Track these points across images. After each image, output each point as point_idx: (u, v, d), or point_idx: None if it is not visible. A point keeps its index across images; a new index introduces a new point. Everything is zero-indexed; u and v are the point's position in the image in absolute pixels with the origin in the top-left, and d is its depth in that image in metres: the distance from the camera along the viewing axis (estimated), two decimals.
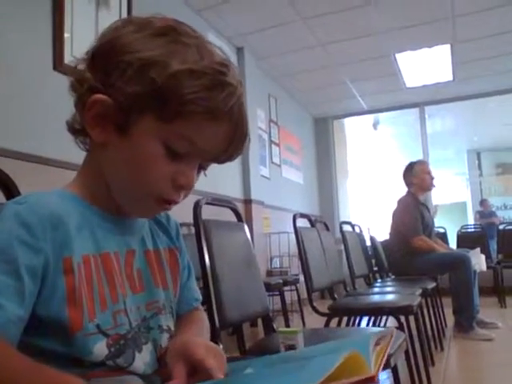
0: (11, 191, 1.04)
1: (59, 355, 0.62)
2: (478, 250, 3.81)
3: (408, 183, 3.95)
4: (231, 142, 0.68)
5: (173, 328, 0.78)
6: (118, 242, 0.71)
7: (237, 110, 0.67)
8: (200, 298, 0.90)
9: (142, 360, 0.69)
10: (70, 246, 0.64)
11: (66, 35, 2.68)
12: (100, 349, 0.64)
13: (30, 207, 0.62)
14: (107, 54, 0.66)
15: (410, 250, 3.64)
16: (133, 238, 0.75)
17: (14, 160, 2.26)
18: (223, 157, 0.71)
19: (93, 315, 0.64)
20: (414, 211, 3.75)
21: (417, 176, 3.89)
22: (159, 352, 0.73)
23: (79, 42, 2.71)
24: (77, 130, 0.71)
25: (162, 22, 0.69)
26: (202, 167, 0.72)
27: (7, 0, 2.41)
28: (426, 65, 5.44)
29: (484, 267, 3.71)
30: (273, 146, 5.60)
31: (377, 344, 0.62)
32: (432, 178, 3.94)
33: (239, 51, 4.84)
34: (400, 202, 3.92)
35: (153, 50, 0.64)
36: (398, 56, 5.18)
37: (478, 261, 3.64)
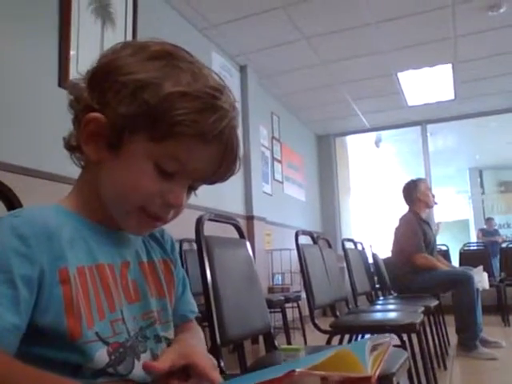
0: (13, 204, 1.05)
1: (60, 363, 0.62)
2: (481, 268, 3.79)
3: (411, 200, 3.95)
4: (221, 164, 0.71)
5: (172, 337, 0.79)
6: (113, 255, 0.73)
7: (227, 133, 0.69)
8: (196, 310, 0.91)
9: (141, 368, 0.70)
10: (65, 258, 0.65)
11: (72, 53, 2.72)
12: (101, 356, 0.64)
13: (24, 220, 0.64)
14: (104, 75, 0.69)
15: (412, 267, 3.64)
16: (127, 251, 0.76)
17: (17, 174, 2.28)
18: (213, 178, 0.73)
19: (91, 323, 0.64)
20: (415, 228, 3.75)
21: (422, 193, 3.92)
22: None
23: (84, 60, 2.74)
24: (73, 146, 0.73)
25: (158, 46, 0.71)
26: (192, 187, 0.74)
27: (15, 16, 2.45)
28: (428, 84, 5.48)
29: (487, 285, 3.69)
30: (275, 162, 5.62)
31: (373, 349, 0.63)
32: (433, 196, 3.97)
33: (242, 69, 4.90)
34: (402, 219, 3.92)
35: (147, 72, 0.67)
36: (400, 75, 5.22)
37: (481, 279, 3.63)
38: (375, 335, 0.79)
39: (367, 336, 3.30)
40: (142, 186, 0.68)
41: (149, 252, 0.81)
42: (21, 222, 0.63)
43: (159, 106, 0.65)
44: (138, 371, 0.69)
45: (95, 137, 0.68)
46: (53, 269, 0.63)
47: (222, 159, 0.70)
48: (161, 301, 0.79)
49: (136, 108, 0.65)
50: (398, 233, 3.88)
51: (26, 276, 0.60)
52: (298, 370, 0.50)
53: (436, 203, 4.05)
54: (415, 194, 3.92)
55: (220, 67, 4.47)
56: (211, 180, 0.73)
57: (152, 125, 0.65)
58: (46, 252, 0.63)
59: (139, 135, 0.67)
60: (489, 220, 9.46)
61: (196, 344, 0.81)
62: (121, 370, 0.67)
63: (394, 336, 2.04)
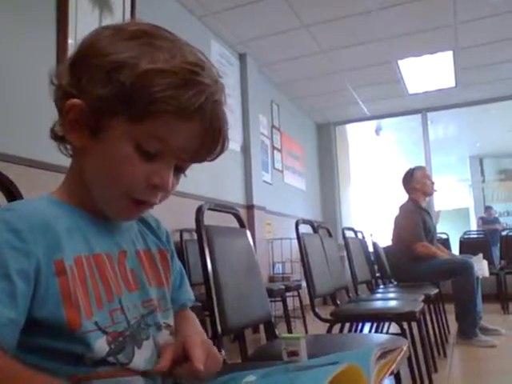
0: (14, 196, 1.05)
1: (62, 353, 0.62)
2: (481, 256, 3.80)
3: (409, 189, 3.96)
4: (203, 141, 0.69)
5: (172, 324, 0.79)
6: (109, 244, 0.72)
7: (209, 108, 0.67)
8: (193, 298, 0.91)
9: (143, 356, 0.70)
10: (61, 249, 0.64)
11: (70, 41, 2.70)
12: (101, 345, 0.64)
13: (17, 213, 0.63)
14: (81, 60, 0.68)
15: (412, 256, 3.64)
16: (123, 240, 0.75)
17: (19, 166, 2.27)
18: (198, 156, 0.71)
19: (89, 313, 0.64)
20: (415, 217, 3.76)
21: (418, 181, 3.91)
22: (159, 348, 0.74)
23: None
24: (59, 136, 0.73)
25: (135, 26, 0.70)
26: (179, 169, 0.72)
27: (12, 6, 2.43)
28: (429, 71, 5.45)
29: (487, 273, 3.70)
30: (275, 151, 5.61)
31: (382, 357, 0.62)
32: (432, 183, 3.96)
33: (242, 58, 4.86)
34: (401, 208, 3.93)
35: (122, 52, 0.65)
36: (401, 62, 5.19)
37: (481, 267, 3.64)
38: (387, 341, 0.78)
39: (368, 324, 3.33)
40: (125, 170, 0.67)
41: (145, 241, 0.81)
42: (13, 216, 0.62)
43: (135, 84, 0.63)
44: (138, 359, 0.69)
45: (77, 124, 0.67)
46: (48, 261, 0.62)
47: (205, 135, 0.68)
48: (160, 289, 0.79)
49: (112, 89, 0.64)
50: (398, 222, 3.88)
51: (22, 270, 0.60)
52: None
53: (435, 190, 4.04)
54: (412, 182, 3.93)
55: (219, 55, 4.44)
56: (197, 158, 0.71)
57: (129, 105, 0.64)
58: (40, 244, 0.62)
59: (118, 117, 0.65)
60: (488, 209, 9.46)
61: (192, 331, 0.81)
62: (121, 358, 0.66)
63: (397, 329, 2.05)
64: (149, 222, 0.84)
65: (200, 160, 0.72)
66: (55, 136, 0.73)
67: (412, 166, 4.07)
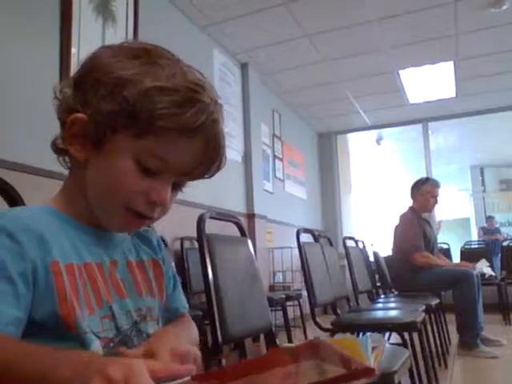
0: (16, 202, 1.05)
1: None
2: (484, 259, 3.85)
3: (413, 195, 3.96)
4: (203, 158, 0.70)
5: None
6: (101, 254, 0.73)
7: (209, 127, 0.68)
8: (187, 306, 0.92)
9: None
10: (54, 253, 0.66)
11: (73, 50, 2.72)
12: (96, 347, 0.66)
13: (9, 219, 0.65)
14: (85, 76, 0.71)
15: (413, 265, 3.63)
16: (114, 250, 0.77)
17: (21, 173, 2.28)
18: (196, 173, 0.72)
19: (82, 317, 0.65)
20: (414, 226, 3.75)
21: (422, 193, 3.90)
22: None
23: None
24: (60, 149, 0.74)
25: (138, 45, 0.73)
26: (177, 184, 0.74)
27: (16, 14, 2.45)
28: (430, 81, 5.47)
29: (492, 272, 3.75)
30: (276, 160, 5.61)
31: (373, 348, 0.62)
32: (435, 202, 3.93)
33: (243, 67, 4.89)
34: (401, 217, 3.92)
35: (126, 70, 0.67)
36: (402, 72, 5.21)
37: (487, 268, 3.69)
38: (372, 334, 0.78)
39: (368, 334, 3.30)
40: (125, 184, 0.68)
41: (138, 252, 0.82)
42: (7, 221, 0.64)
43: (138, 101, 0.65)
44: None
45: (79, 137, 0.69)
46: (44, 262, 0.64)
47: (205, 153, 0.70)
48: (151, 299, 0.79)
49: (116, 105, 0.66)
50: (398, 231, 3.88)
51: (21, 272, 0.61)
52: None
53: (433, 208, 4.06)
54: (419, 191, 3.92)
55: (221, 64, 4.46)
56: (195, 175, 0.73)
57: (132, 121, 0.66)
58: (35, 247, 0.64)
59: (121, 133, 0.67)
60: (489, 218, 9.44)
61: (177, 334, 0.78)
62: None
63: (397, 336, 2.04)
64: (142, 233, 0.85)
65: (198, 177, 0.74)
66: (56, 149, 0.75)
67: (427, 177, 4.08)
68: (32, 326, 0.62)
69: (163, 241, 3.22)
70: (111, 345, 0.68)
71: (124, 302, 0.73)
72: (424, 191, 3.90)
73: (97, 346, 0.65)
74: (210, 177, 0.76)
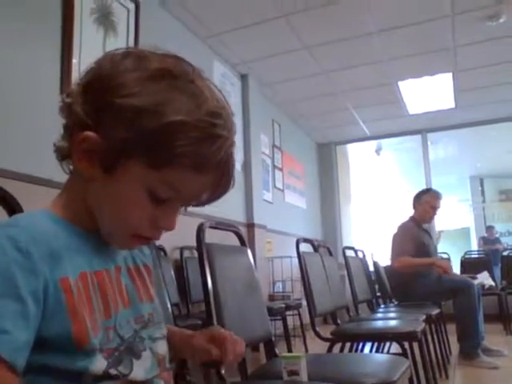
0: (15, 211, 1.06)
1: (62, 371, 0.62)
2: (486, 272, 3.84)
3: (414, 205, 3.97)
4: (216, 189, 0.71)
5: (165, 333, 0.80)
6: (106, 260, 0.73)
7: (225, 160, 0.68)
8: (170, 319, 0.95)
9: (142, 366, 0.70)
10: (65, 266, 0.64)
11: (74, 61, 2.74)
12: (99, 362, 0.64)
13: (22, 230, 0.62)
14: (100, 93, 0.67)
15: (412, 274, 3.63)
16: (117, 256, 0.76)
17: (20, 182, 2.29)
18: (206, 201, 0.73)
19: (97, 330, 0.65)
20: (405, 235, 3.74)
21: (421, 204, 3.91)
22: (158, 358, 0.74)
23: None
24: (64, 155, 0.72)
25: (158, 62, 0.69)
26: (184, 205, 0.74)
27: (18, 24, 2.47)
28: (429, 92, 5.50)
29: (492, 283, 3.75)
30: (276, 170, 5.63)
31: None
32: (434, 214, 3.93)
33: (243, 78, 4.92)
34: (400, 227, 3.92)
35: (147, 95, 0.65)
36: (401, 84, 5.24)
37: (488, 279, 3.68)
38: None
39: (368, 344, 3.30)
40: (134, 213, 0.68)
41: (133, 257, 0.82)
42: (19, 234, 0.61)
43: (158, 134, 0.63)
44: (138, 370, 0.69)
45: (89, 155, 0.67)
46: (55, 278, 0.62)
47: (219, 183, 0.70)
48: (152, 304, 0.79)
49: (134, 134, 0.64)
50: (395, 240, 3.87)
51: (32, 290, 0.59)
52: None
53: (432, 219, 4.07)
54: (419, 201, 3.93)
55: (221, 75, 4.49)
56: (203, 203, 0.74)
57: (150, 153, 0.64)
58: (46, 262, 0.62)
59: (135, 161, 0.65)
60: (489, 228, 9.44)
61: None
62: (122, 369, 0.67)
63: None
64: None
65: (205, 204, 0.74)
66: (60, 154, 0.72)
67: (429, 188, 4.09)
68: (38, 345, 0.60)
69: (163, 250, 3.22)
70: (116, 353, 0.67)
71: (126, 311, 0.72)
72: (424, 201, 3.91)
73: (99, 359, 0.64)
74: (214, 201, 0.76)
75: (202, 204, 0.74)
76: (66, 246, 0.67)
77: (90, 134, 0.66)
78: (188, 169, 0.65)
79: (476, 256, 6.58)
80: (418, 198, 3.94)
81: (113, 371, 0.66)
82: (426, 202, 3.91)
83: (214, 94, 0.70)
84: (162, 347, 0.77)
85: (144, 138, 0.64)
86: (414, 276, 3.62)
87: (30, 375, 0.60)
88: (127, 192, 0.67)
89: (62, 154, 0.72)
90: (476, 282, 3.60)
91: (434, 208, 3.90)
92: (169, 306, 1.28)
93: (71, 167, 0.73)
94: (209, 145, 0.65)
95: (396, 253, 3.69)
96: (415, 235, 3.78)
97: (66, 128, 0.71)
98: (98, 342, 0.64)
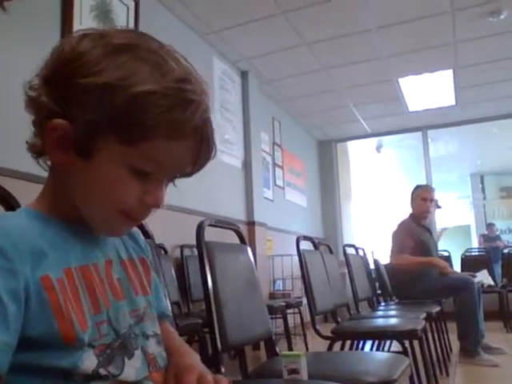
0: (14, 210, 1.05)
1: (49, 370, 0.61)
2: (485, 271, 3.85)
3: (410, 205, 4.01)
4: (198, 156, 0.69)
5: (159, 332, 0.78)
6: (95, 254, 0.71)
7: (201, 124, 0.67)
8: (170, 313, 0.91)
9: (133, 366, 0.69)
10: (47, 264, 0.63)
11: None
12: (89, 359, 0.63)
13: (0, 233, 0.61)
14: (63, 78, 0.65)
15: (413, 273, 3.63)
16: (108, 249, 0.75)
17: (18, 180, 2.28)
18: (190, 171, 0.72)
19: (85, 326, 0.63)
20: (407, 232, 3.75)
21: (414, 200, 3.96)
22: (148, 357, 0.73)
23: None
24: (38, 151, 0.70)
25: (120, 37, 0.67)
26: (169, 180, 0.72)
27: (17, 23, 2.46)
28: (429, 89, 5.49)
29: (492, 282, 3.76)
30: (276, 168, 5.62)
31: None
32: (429, 206, 3.93)
33: (244, 75, 4.91)
34: (399, 224, 3.93)
35: (110, 71, 0.63)
36: (401, 80, 5.23)
37: (487, 279, 3.70)
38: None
39: (369, 342, 3.30)
40: (118, 191, 0.66)
41: (128, 250, 0.80)
42: None
43: (127, 109, 0.62)
44: (129, 370, 0.68)
45: (62, 143, 0.65)
46: (36, 277, 0.61)
47: (199, 150, 0.68)
48: (146, 297, 0.78)
49: (103, 113, 0.62)
50: (395, 237, 3.88)
51: (11, 290, 0.58)
52: None
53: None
54: (411, 200, 3.99)
55: (221, 72, 4.48)
56: (187, 173, 0.72)
57: (123, 129, 0.63)
58: (26, 262, 0.60)
59: (110, 139, 0.64)
60: (490, 226, 9.44)
61: (185, 352, 0.82)
62: (112, 370, 0.65)
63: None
64: (130, 231, 0.83)
65: (190, 174, 0.73)
66: (34, 150, 0.70)
67: (420, 183, 4.12)
68: (23, 345, 0.59)
69: (163, 248, 3.21)
70: (108, 351, 0.66)
71: (120, 304, 0.71)
72: (416, 196, 3.96)
73: (89, 357, 0.63)
74: (199, 171, 0.75)
75: (187, 175, 0.72)
76: (50, 242, 0.65)
77: (59, 121, 0.64)
78: (164, 139, 0.64)
79: (476, 253, 6.57)
80: (411, 196, 4.00)
81: (102, 371, 0.64)
82: (418, 196, 3.95)
83: (180, 63, 0.68)
84: (153, 346, 0.75)
85: (114, 115, 0.62)
86: (415, 274, 3.62)
87: (20, 376, 0.59)
88: (108, 172, 0.65)
89: (37, 151, 0.70)
90: (476, 280, 3.60)
91: (425, 200, 3.92)
92: (169, 304, 1.28)
93: (49, 163, 0.71)
94: (181, 111, 0.63)
95: (395, 250, 3.71)
96: (414, 232, 3.79)
97: (36, 123, 0.69)
98: (87, 337, 0.63)
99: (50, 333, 0.60)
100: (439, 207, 4.11)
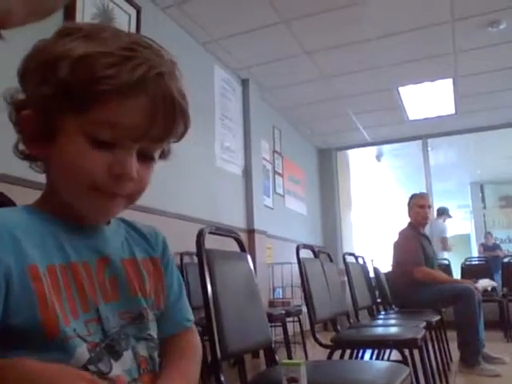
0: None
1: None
2: (488, 279, 3.91)
3: (408, 214, 4.03)
4: (155, 116, 0.66)
5: (155, 336, 0.77)
6: (88, 252, 0.70)
7: (153, 81, 0.65)
8: (192, 317, 0.87)
9: (121, 367, 0.68)
10: (33, 257, 0.63)
11: None
12: (82, 352, 0.63)
13: None
14: (23, 70, 0.70)
15: (413, 281, 3.62)
16: (106, 246, 0.73)
17: (15, 186, 2.28)
18: (155, 135, 0.68)
19: (67, 321, 0.63)
20: (414, 242, 3.77)
21: (411, 208, 4.00)
22: (139, 360, 0.72)
23: None
24: (28, 155, 0.71)
25: (71, 25, 0.70)
26: (146, 155, 0.69)
27: (17, 30, 2.47)
28: (429, 98, 5.50)
29: (495, 284, 3.82)
30: (276, 176, 5.63)
31: None
32: (425, 212, 3.95)
33: (244, 83, 4.93)
34: (400, 233, 3.96)
35: (55, 49, 0.65)
36: (401, 89, 5.25)
37: (489, 283, 3.75)
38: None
39: (368, 351, 3.28)
40: (83, 164, 0.65)
41: (131, 250, 0.78)
42: None
43: (72, 72, 0.62)
44: (117, 371, 0.67)
45: (34, 135, 0.67)
46: (21, 267, 0.61)
47: (156, 110, 0.65)
48: (146, 299, 0.76)
49: (52, 86, 0.63)
50: (397, 247, 3.89)
51: None
52: None
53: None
54: (409, 209, 4.02)
55: (222, 80, 4.50)
56: (155, 137, 0.68)
57: (72, 97, 0.63)
58: (11, 252, 0.61)
59: (67, 115, 0.64)
60: (487, 235, 9.42)
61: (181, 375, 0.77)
62: (101, 367, 0.65)
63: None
64: (141, 230, 0.82)
65: (161, 139, 0.69)
66: (23, 155, 0.72)
67: (415, 192, 4.14)
68: (7, 337, 0.59)
69: None
70: (97, 349, 0.65)
71: (112, 303, 0.70)
72: (413, 205, 3.99)
73: (82, 350, 0.63)
74: (178, 140, 0.72)
75: (158, 140, 0.69)
76: (40, 237, 0.65)
77: (25, 112, 0.66)
78: (114, 97, 0.63)
79: (476, 262, 6.56)
80: (408, 205, 4.04)
81: (92, 368, 0.64)
82: (415, 204, 3.99)
83: (136, 36, 0.70)
84: (144, 349, 0.73)
85: (61, 85, 0.63)
86: (415, 283, 3.61)
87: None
88: (70, 150, 0.65)
89: (25, 154, 0.72)
90: (479, 285, 3.62)
91: (422, 206, 3.97)
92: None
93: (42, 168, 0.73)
94: (124, 65, 0.63)
95: (413, 262, 3.68)
96: (416, 240, 3.80)
97: (15, 125, 0.70)
98: (71, 331, 0.63)
99: (31, 322, 0.60)
100: (450, 217, 4.17)
